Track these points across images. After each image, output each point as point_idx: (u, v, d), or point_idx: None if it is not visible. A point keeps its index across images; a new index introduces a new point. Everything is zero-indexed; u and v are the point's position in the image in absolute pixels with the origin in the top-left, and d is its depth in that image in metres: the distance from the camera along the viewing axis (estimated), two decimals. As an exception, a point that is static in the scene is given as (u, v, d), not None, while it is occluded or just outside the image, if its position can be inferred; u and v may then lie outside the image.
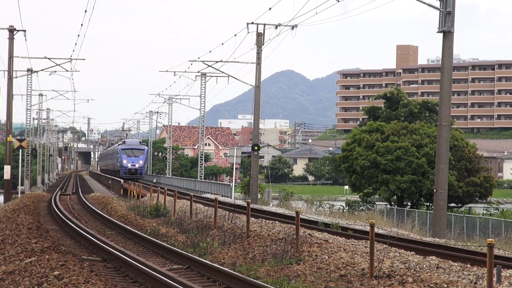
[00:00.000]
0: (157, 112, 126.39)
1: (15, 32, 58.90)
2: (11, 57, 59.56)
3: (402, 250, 21.32)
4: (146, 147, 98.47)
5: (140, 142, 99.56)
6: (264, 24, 52.94)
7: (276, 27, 51.64)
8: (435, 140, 52.62)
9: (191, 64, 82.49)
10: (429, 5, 32.70)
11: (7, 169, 59.38)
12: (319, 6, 52.45)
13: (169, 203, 41.39)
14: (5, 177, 60.29)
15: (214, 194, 62.83)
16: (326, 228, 28.28)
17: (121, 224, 33.07)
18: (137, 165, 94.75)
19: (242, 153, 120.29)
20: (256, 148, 55.82)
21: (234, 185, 65.90)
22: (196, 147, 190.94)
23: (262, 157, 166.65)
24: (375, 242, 18.71)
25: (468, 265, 18.58)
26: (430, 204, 68.72)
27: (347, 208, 72.44)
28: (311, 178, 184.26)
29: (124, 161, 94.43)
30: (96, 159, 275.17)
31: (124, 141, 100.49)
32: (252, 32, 52.50)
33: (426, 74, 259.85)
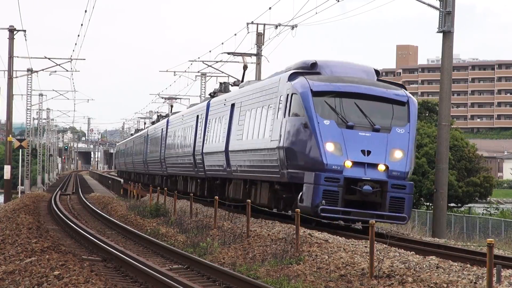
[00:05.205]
0: (157, 112, 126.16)
1: (15, 32, 59.01)
2: (11, 57, 59.63)
3: (402, 250, 21.32)
4: (413, 99, 27.04)
5: (377, 72, 28.21)
6: (264, 24, 52.88)
7: (276, 27, 51.62)
8: (435, 140, 52.63)
9: (191, 64, 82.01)
10: (429, 5, 32.70)
11: (7, 169, 59.40)
12: (319, 6, 52.41)
13: (169, 203, 41.38)
14: (5, 177, 60.32)
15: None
16: (326, 228, 28.25)
17: (121, 224, 33.07)
18: (391, 170, 25.44)
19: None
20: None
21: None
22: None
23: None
24: (375, 242, 18.71)
25: (468, 265, 18.58)
26: (430, 204, 68.74)
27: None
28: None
29: (329, 149, 25.38)
30: (97, 158, 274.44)
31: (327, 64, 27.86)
32: (252, 32, 52.36)
33: (426, 74, 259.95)
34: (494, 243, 14.95)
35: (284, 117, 27.29)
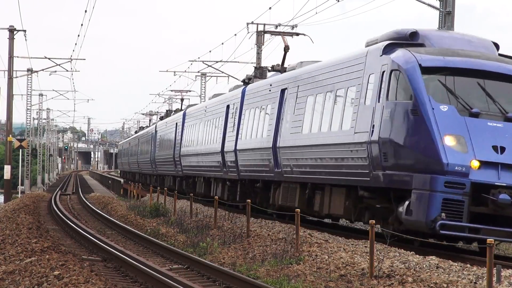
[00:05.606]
0: (157, 112, 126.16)
1: (15, 32, 59.07)
2: (11, 57, 59.67)
3: (402, 250, 21.30)
4: None
5: (496, 45, 22.43)
6: (264, 24, 52.89)
7: (276, 27, 51.60)
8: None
9: (191, 64, 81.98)
10: (429, 5, 32.70)
11: (7, 169, 59.42)
12: (319, 6, 52.38)
13: (169, 203, 41.38)
14: (5, 177, 60.35)
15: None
16: (326, 227, 28.27)
17: (121, 224, 33.09)
18: None
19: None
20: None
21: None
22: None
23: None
24: (375, 242, 18.69)
25: (468, 265, 18.56)
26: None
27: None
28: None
29: (449, 143, 19.46)
30: (97, 158, 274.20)
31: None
32: (252, 32, 52.34)
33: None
34: (494, 243, 14.94)
35: (379, 101, 21.09)
